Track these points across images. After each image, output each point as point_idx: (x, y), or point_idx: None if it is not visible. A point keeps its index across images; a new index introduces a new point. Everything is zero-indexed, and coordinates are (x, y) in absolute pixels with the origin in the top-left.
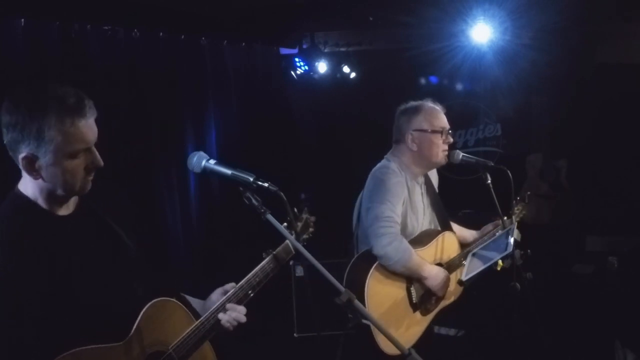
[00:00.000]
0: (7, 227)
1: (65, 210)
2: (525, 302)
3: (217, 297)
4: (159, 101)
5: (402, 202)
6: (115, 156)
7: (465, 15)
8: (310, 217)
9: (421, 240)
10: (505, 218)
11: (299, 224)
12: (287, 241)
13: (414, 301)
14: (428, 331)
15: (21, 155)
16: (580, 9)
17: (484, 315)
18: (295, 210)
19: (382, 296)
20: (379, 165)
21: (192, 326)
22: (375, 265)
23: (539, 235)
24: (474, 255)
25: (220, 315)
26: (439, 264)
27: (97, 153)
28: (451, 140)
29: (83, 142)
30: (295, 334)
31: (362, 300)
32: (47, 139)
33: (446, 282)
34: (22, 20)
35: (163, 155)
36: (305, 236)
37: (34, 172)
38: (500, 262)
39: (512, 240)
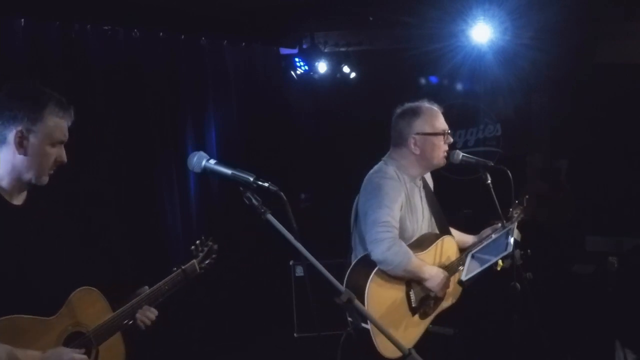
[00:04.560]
0: None
1: (18, 201)
2: (525, 302)
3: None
4: (159, 101)
5: (399, 206)
6: (116, 156)
7: (465, 15)
8: (214, 245)
9: (421, 244)
10: (505, 222)
11: (205, 249)
12: (194, 261)
13: (413, 305)
14: (426, 334)
15: (17, 129)
16: (580, 9)
17: (484, 315)
18: (203, 237)
19: (381, 301)
20: (375, 168)
21: (110, 316)
22: (375, 270)
23: (539, 235)
24: (474, 255)
25: (139, 312)
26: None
27: (64, 151)
28: (451, 140)
29: (63, 136)
30: (295, 334)
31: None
32: (44, 122)
33: (446, 283)
34: (22, 20)
35: (163, 155)
36: (208, 261)
37: (22, 148)
38: (500, 262)
39: (512, 240)
